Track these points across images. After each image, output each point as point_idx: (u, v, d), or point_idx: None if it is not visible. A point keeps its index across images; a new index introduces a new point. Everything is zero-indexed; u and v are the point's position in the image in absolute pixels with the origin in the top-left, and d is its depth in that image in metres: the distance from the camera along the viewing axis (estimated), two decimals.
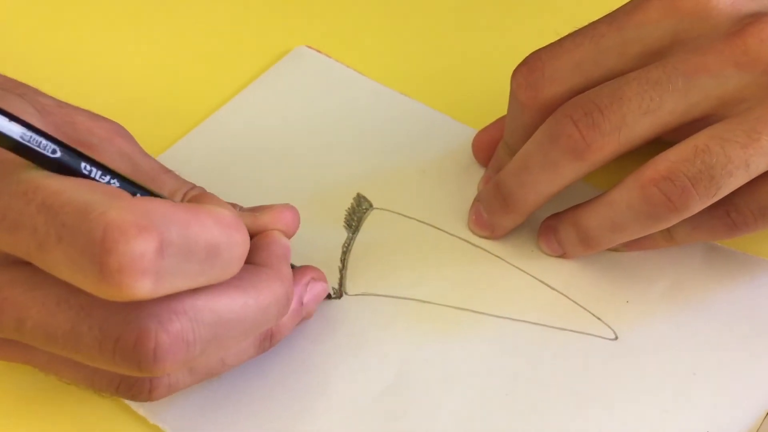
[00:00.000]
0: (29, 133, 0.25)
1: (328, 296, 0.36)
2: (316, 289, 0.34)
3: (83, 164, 0.27)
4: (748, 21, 0.31)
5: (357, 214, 0.40)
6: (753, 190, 0.33)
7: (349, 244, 0.39)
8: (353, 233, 0.39)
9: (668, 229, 0.35)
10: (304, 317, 0.34)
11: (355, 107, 0.45)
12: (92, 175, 0.27)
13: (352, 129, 0.44)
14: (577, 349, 0.35)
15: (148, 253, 0.23)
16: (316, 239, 0.39)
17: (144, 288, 0.23)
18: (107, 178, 0.27)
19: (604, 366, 0.34)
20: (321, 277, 0.35)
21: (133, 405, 0.33)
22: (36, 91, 0.33)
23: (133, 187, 0.28)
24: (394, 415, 0.33)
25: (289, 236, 0.33)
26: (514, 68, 0.35)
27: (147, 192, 0.29)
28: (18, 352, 0.30)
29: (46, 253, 0.24)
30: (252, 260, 0.30)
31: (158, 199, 0.25)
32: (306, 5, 0.51)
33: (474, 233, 0.39)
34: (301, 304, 0.33)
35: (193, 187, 0.33)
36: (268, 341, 0.32)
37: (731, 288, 0.37)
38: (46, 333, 0.26)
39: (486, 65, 0.47)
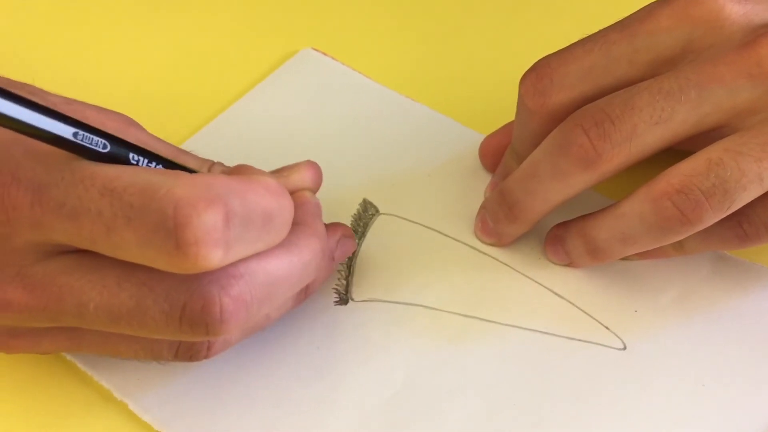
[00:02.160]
0: (81, 132, 0.26)
1: (336, 302, 0.36)
2: (346, 246, 0.36)
3: (131, 154, 0.28)
4: (761, 32, 0.31)
5: (363, 219, 0.40)
6: (766, 202, 0.32)
7: (356, 250, 0.39)
8: (360, 239, 0.39)
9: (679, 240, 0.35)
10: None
11: (361, 111, 0.45)
12: (140, 164, 0.28)
13: (358, 133, 0.44)
14: (584, 359, 0.35)
15: (219, 225, 0.25)
16: None
17: (216, 258, 0.25)
18: (153, 164, 0.28)
19: (612, 376, 0.34)
20: (350, 234, 0.36)
21: (137, 410, 0.33)
22: (41, 90, 0.33)
23: (179, 168, 0.29)
24: (400, 423, 0.33)
25: (315, 192, 0.35)
26: (522, 73, 0.35)
27: (191, 171, 0.30)
28: (66, 339, 0.31)
29: (114, 235, 0.25)
30: None
31: (215, 174, 0.27)
32: (312, 7, 0.51)
33: (480, 240, 0.39)
34: (333, 259, 0.35)
35: (213, 163, 0.34)
36: (304, 293, 0.34)
37: (740, 298, 0.36)
38: (110, 313, 0.27)
39: (494, 69, 0.47)
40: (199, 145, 0.43)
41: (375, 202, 0.41)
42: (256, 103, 0.45)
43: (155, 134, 0.36)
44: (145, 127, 0.35)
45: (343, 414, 0.33)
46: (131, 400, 0.33)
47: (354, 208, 0.40)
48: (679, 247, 0.36)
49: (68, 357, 0.34)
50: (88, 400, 0.34)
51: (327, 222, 0.35)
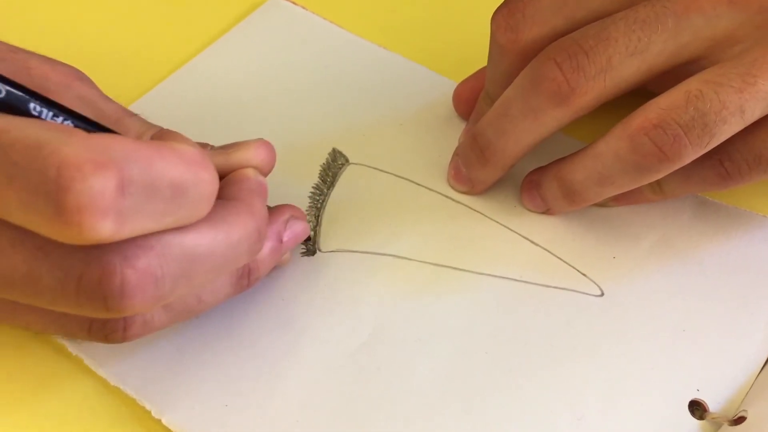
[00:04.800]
0: None
1: (303, 252, 0.35)
2: (296, 228, 0.33)
3: (32, 104, 0.25)
4: None
5: (332, 169, 0.38)
6: (747, 138, 0.31)
7: (323, 200, 0.37)
8: (328, 189, 0.38)
9: (657, 182, 0.34)
10: (282, 260, 0.33)
11: (331, 60, 0.43)
12: (42, 116, 0.25)
13: (327, 82, 0.42)
14: (561, 306, 0.33)
15: (108, 191, 0.22)
16: (290, 195, 0.37)
17: (105, 229, 0.22)
18: (60, 118, 0.26)
19: (590, 323, 0.33)
20: (301, 216, 0.33)
21: (93, 365, 0.31)
22: None
23: (91, 126, 0.27)
24: (367, 373, 0.31)
25: (264, 173, 0.32)
26: None
27: (107, 131, 0.27)
28: None
29: None
30: (223, 196, 0.29)
31: (117, 136, 0.24)
32: None
33: (453, 189, 0.37)
34: (281, 242, 0.32)
35: (161, 130, 0.32)
36: (246, 279, 0.31)
37: (721, 243, 0.35)
38: (3, 277, 0.25)
39: (467, 15, 0.46)
40: (157, 100, 0.41)
41: (345, 152, 0.39)
42: (223, 53, 0.44)
43: (111, 88, 0.35)
44: (101, 81, 0.33)
45: (308, 365, 0.32)
46: (85, 354, 0.32)
47: (323, 157, 0.39)
48: (659, 190, 0.34)
49: None
50: (43, 353, 0.32)
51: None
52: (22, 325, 0.29)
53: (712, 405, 0.31)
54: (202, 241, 0.26)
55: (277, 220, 0.32)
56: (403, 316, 0.33)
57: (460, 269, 0.35)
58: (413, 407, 0.31)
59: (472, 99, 0.39)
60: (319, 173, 0.38)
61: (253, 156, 0.31)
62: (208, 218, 0.26)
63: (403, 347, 0.32)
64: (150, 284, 0.24)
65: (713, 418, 0.30)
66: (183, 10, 0.46)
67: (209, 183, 0.25)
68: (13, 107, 0.24)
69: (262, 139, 0.32)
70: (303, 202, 0.37)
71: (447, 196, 0.37)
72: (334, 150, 0.39)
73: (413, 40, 0.44)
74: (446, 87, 0.41)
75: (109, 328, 0.27)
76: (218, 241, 0.26)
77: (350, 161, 0.39)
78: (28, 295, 0.25)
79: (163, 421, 0.30)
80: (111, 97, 0.33)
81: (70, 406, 0.31)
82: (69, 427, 0.31)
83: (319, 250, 0.35)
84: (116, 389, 0.31)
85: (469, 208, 0.37)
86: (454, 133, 0.39)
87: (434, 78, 0.42)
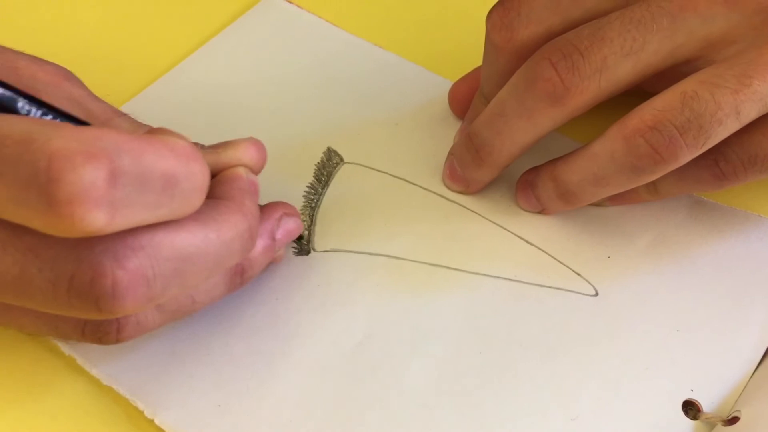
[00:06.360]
0: None
1: (296, 252, 0.35)
2: (289, 225, 0.33)
3: (20, 104, 0.25)
4: None
5: (327, 168, 0.38)
6: (743, 138, 0.31)
7: (318, 200, 0.37)
8: (323, 188, 0.37)
9: (653, 182, 0.34)
10: (275, 257, 0.33)
11: (326, 59, 0.43)
12: (30, 115, 0.25)
13: (323, 81, 0.42)
14: (555, 306, 0.33)
15: (99, 182, 0.22)
16: (284, 194, 0.37)
17: (98, 220, 0.22)
18: (49, 117, 0.25)
19: (584, 323, 0.33)
20: (293, 213, 0.33)
21: (87, 365, 0.31)
22: None
23: (79, 124, 0.26)
24: (361, 374, 0.31)
25: (256, 172, 0.31)
26: None
27: None
28: None
29: None
30: (213, 195, 0.29)
31: (107, 128, 0.23)
32: None
33: (448, 188, 0.37)
34: (274, 239, 0.32)
35: (150, 129, 0.31)
36: (239, 277, 0.31)
37: (716, 243, 0.35)
38: None
39: (463, 14, 0.45)
40: (151, 100, 0.41)
41: (340, 151, 0.39)
42: (218, 52, 0.43)
43: (105, 88, 0.34)
44: (94, 81, 0.33)
45: (302, 365, 0.32)
46: (78, 354, 0.31)
47: (318, 156, 0.39)
48: (654, 191, 0.34)
49: None
50: (36, 353, 0.32)
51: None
52: (16, 327, 0.29)
53: (706, 405, 0.31)
54: (193, 240, 0.26)
55: (270, 218, 0.32)
56: (398, 317, 0.33)
57: (455, 269, 0.34)
58: (407, 407, 0.31)
59: (467, 98, 0.38)
60: (314, 172, 0.38)
61: (244, 154, 0.31)
62: (199, 218, 0.26)
63: (397, 347, 0.32)
64: (141, 285, 0.24)
65: (707, 419, 0.30)
66: (178, 9, 0.46)
67: (201, 174, 0.25)
68: (1, 106, 0.24)
69: (252, 137, 0.32)
70: (297, 201, 0.37)
71: (442, 196, 0.37)
72: (329, 149, 0.39)
73: (409, 40, 0.44)
74: (442, 86, 0.41)
75: (102, 330, 0.27)
76: (210, 240, 0.26)
77: (345, 160, 0.39)
78: (20, 297, 0.25)
79: (156, 422, 0.30)
80: (105, 96, 0.33)
81: (63, 406, 0.31)
82: (62, 427, 0.31)
83: (314, 250, 0.35)
84: (109, 389, 0.31)
85: (464, 207, 0.37)
86: (449, 132, 0.39)
87: (430, 77, 0.42)
